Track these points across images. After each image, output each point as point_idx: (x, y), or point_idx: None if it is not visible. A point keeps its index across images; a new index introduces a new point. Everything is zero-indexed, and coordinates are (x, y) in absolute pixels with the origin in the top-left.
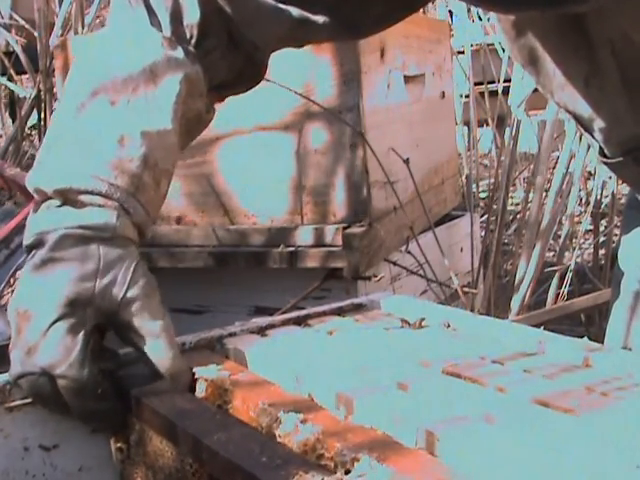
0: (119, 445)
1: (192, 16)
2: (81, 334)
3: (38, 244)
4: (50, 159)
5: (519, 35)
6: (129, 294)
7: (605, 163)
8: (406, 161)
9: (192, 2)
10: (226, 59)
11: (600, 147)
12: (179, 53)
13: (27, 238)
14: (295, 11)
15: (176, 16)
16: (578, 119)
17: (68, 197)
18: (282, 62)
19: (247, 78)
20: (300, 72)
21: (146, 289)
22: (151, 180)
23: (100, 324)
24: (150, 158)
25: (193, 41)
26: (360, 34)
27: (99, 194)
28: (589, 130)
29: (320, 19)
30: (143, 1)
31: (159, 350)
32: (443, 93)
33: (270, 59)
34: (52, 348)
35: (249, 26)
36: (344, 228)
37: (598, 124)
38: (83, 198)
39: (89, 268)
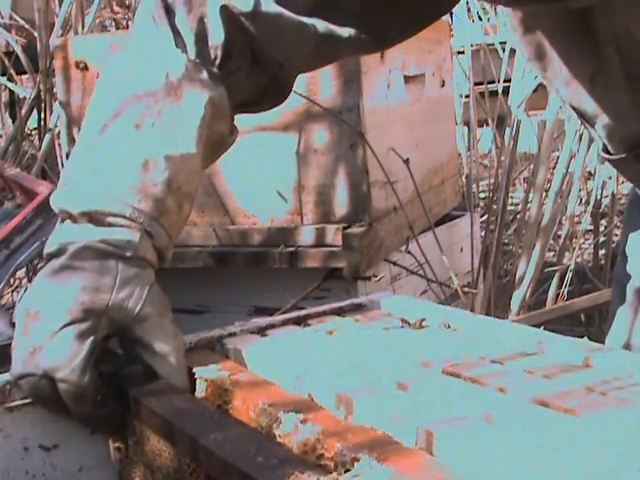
0: (117, 445)
1: (217, 37)
2: (89, 341)
3: (59, 253)
4: (76, 180)
5: (527, 31)
6: (144, 311)
7: (608, 160)
8: (406, 161)
9: (217, 23)
10: (250, 79)
11: (603, 144)
12: (204, 75)
13: (49, 246)
14: (321, 26)
15: (201, 37)
16: (582, 115)
17: (93, 218)
18: None
19: (271, 97)
20: None
21: (160, 309)
22: (174, 204)
23: (109, 335)
24: (174, 182)
25: (217, 62)
26: (386, 44)
27: (123, 217)
28: (593, 126)
29: (345, 33)
30: (168, 21)
31: (168, 370)
32: (443, 82)
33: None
34: (57, 351)
35: (273, 45)
36: (344, 228)
37: (602, 120)
38: (108, 220)
39: (106, 281)
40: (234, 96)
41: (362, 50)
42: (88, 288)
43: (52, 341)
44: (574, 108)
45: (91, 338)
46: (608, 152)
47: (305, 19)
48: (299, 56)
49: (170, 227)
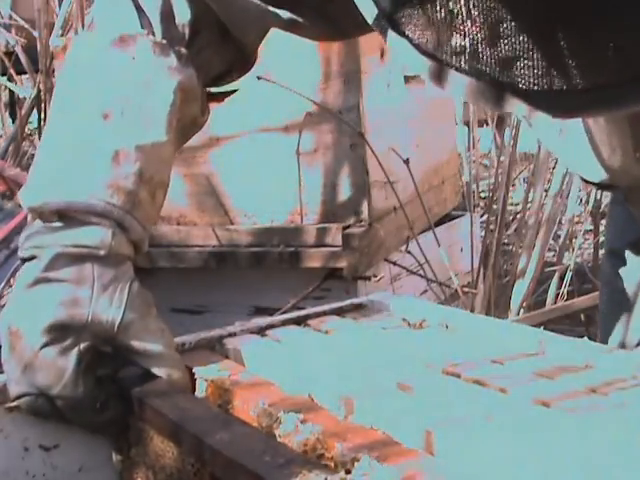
0: (119, 445)
1: (183, 15)
2: (73, 354)
3: (32, 258)
4: (44, 176)
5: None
6: (126, 318)
7: (593, 184)
8: (406, 161)
9: (182, 1)
10: (219, 53)
11: None
12: (172, 60)
13: (22, 250)
14: (284, 14)
15: (167, 15)
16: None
17: (64, 216)
18: (283, 63)
19: (238, 67)
20: (300, 72)
21: (142, 309)
22: (147, 194)
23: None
24: (145, 173)
25: (185, 40)
26: (347, 36)
27: (94, 213)
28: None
29: (307, 22)
30: (132, 0)
31: (165, 368)
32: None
33: (266, 58)
34: (44, 369)
35: (236, 27)
36: (344, 228)
37: (571, 168)
38: (79, 217)
39: (84, 292)
40: (204, 73)
41: (326, 37)
42: (65, 302)
43: (37, 361)
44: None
45: (74, 350)
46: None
47: (270, 7)
48: (262, 36)
49: (144, 218)
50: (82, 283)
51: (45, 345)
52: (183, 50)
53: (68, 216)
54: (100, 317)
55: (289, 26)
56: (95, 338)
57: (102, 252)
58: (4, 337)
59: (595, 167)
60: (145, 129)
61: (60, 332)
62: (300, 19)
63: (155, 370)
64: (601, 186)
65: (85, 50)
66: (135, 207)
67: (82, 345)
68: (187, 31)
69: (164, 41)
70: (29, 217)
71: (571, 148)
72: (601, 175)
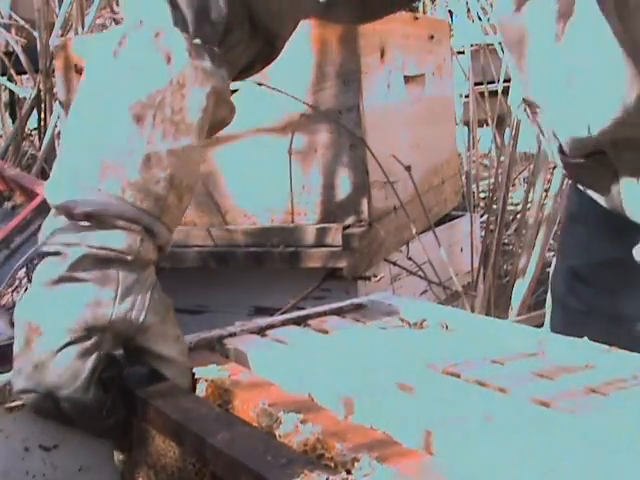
0: (121, 445)
1: (218, 12)
2: (92, 358)
3: (56, 254)
4: (73, 174)
5: (517, 10)
6: (147, 320)
7: (564, 162)
8: (408, 168)
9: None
10: (247, 49)
11: (559, 145)
12: (206, 63)
13: (46, 245)
14: None
15: (201, 12)
16: (544, 111)
17: (93, 217)
18: (283, 63)
19: (262, 59)
20: (300, 72)
21: (162, 314)
22: (175, 199)
23: (113, 348)
24: (175, 178)
25: (218, 38)
26: (376, 17)
27: (123, 218)
28: (552, 125)
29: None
30: None
31: (175, 373)
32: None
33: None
34: (60, 369)
35: (272, 18)
36: (344, 228)
37: (566, 124)
38: (108, 220)
39: (107, 293)
40: (233, 69)
41: (355, 20)
42: (90, 303)
43: (55, 359)
44: (536, 106)
45: (94, 355)
46: (563, 152)
47: None
48: (293, 23)
49: (171, 222)
50: (106, 285)
51: (66, 345)
52: (216, 49)
53: (97, 218)
54: (122, 318)
55: (324, 9)
56: (116, 339)
57: (129, 257)
58: (21, 331)
59: (598, 117)
60: (177, 134)
61: (83, 332)
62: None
63: (165, 373)
64: (583, 156)
65: (116, 45)
66: (164, 212)
67: (103, 348)
68: (221, 29)
69: (198, 41)
70: (53, 211)
71: (577, 96)
72: (602, 124)
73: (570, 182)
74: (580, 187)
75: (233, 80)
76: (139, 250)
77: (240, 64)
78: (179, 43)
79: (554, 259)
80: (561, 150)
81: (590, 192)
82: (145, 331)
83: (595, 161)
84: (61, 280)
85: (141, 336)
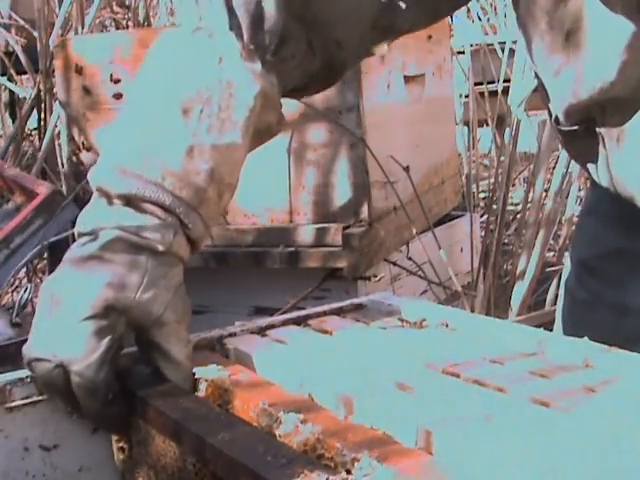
0: (121, 445)
1: (273, 22)
2: (108, 338)
3: (90, 235)
4: (118, 160)
5: None
6: (165, 316)
7: (558, 130)
8: (406, 169)
9: (274, 8)
10: (302, 66)
11: (555, 116)
12: (257, 65)
13: (82, 224)
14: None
15: (257, 20)
16: (544, 75)
17: (131, 201)
18: None
19: (319, 82)
20: None
21: (180, 315)
22: (215, 194)
23: (127, 333)
24: (216, 173)
25: (272, 48)
26: (438, 17)
27: (162, 206)
28: (550, 90)
29: (403, 4)
30: (224, 0)
31: (179, 377)
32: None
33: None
34: (76, 343)
35: (332, 23)
36: (344, 228)
37: (562, 82)
38: (146, 206)
39: (134, 279)
40: (285, 83)
41: (417, 23)
42: (114, 284)
43: (71, 332)
44: (539, 73)
45: (110, 336)
46: (559, 122)
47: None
48: (357, 35)
49: (208, 217)
50: (134, 270)
51: (85, 319)
52: (268, 57)
53: (135, 203)
54: (143, 306)
55: (383, 13)
56: (131, 325)
57: (160, 248)
58: (43, 302)
59: (591, 76)
60: (222, 130)
61: (104, 310)
62: (398, 1)
63: (169, 375)
64: (574, 123)
65: (173, 43)
66: (201, 204)
67: (118, 331)
68: (275, 39)
69: (251, 46)
70: (95, 195)
71: (574, 53)
72: (594, 85)
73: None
74: (579, 165)
75: (286, 96)
76: (172, 243)
77: (293, 79)
78: (232, 45)
79: (568, 252)
80: (557, 120)
81: (590, 169)
82: (161, 326)
83: (585, 130)
84: (90, 258)
85: (156, 330)
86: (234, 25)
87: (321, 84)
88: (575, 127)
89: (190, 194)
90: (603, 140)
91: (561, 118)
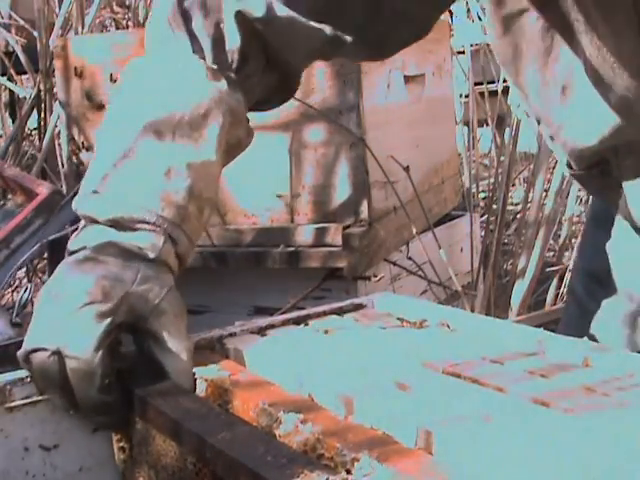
0: (122, 445)
1: (233, 42)
2: (106, 322)
3: (82, 249)
4: (101, 189)
5: (506, 31)
6: (163, 305)
7: (572, 175)
8: (406, 169)
9: (233, 28)
10: (263, 81)
11: (567, 159)
12: (222, 84)
13: (73, 244)
14: (328, 30)
15: (218, 42)
16: (548, 126)
17: (119, 224)
18: None
19: (280, 94)
20: None
21: (177, 310)
22: (195, 210)
23: (125, 323)
24: (195, 189)
25: (234, 66)
26: (383, 55)
27: (148, 223)
28: (556, 138)
29: (349, 38)
30: (185, 26)
31: (177, 368)
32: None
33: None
34: (73, 328)
35: (285, 48)
36: (344, 228)
37: (566, 134)
38: (133, 225)
39: (128, 274)
40: (249, 98)
41: (360, 56)
42: (110, 277)
43: (70, 319)
44: (540, 119)
45: (109, 319)
46: (571, 167)
47: (314, 23)
48: (307, 56)
49: (191, 232)
50: (127, 269)
51: (84, 305)
52: (232, 75)
53: (122, 224)
54: (139, 294)
55: (329, 44)
56: (130, 313)
57: (151, 255)
58: (40, 301)
59: (595, 126)
60: (196, 149)
61: (101, 296)
62: (341, 36)
63: (167, 366)
64: (588, 167)
65: (143, 70)
66: (184, 221)
67: (118, 317)
68: (236, 57)
69: (215, 66)
70: (82, 222)
71: (573, 107)
72: (600, 132)
73: None
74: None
75: (251, 111)
76: (161, 250)
77: (256, 94)
78: (197, 67)
79: (576, 256)
80: (568, 164)
81: (611, 206)
82: (159, 315)
83: (600, 172)
84: (85, 260)
85: (154, 319)
86: (197, 49)
87: (281, 95)
88: (587, 172)
89: (172, 212)
90: (620, 182)
91: (573, 163)
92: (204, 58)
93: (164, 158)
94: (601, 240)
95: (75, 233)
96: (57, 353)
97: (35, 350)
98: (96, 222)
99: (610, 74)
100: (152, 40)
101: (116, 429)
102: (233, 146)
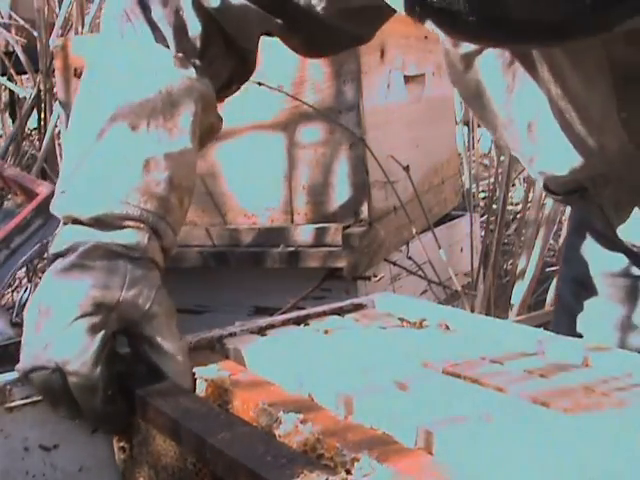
0: (122, 445)
1: (194, 28)
2: (100, 334)
3: (67, 253)
4: (78, 187)
5: (467, 68)
6: (153, 309)
7: (552, 198)
8: (406, 168)
9: (192, 15)
10: (224, 64)
11: (545, 185)
12: (191, 72)
13: (56, 247)
14: (280, 21)
15: (179, 30)
16: (520, 157)
17: (102, 222)
18: (283, 62)
19: (240, 76)
20: (300, 72)
21: (167, 310)
22: (176, 200)
23: (118, 331)
24: (174, 179)
25: (198, 52)
26: (323, 56)
27: (131, 218)
28: (530, 169)
29: (280, 20)
30: (144, 16)
31: (175, 369)
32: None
33: (266, 58)
34: (69, 344)
35: (240, 35)
36: (344, 228)
37: (538, 166)
38: (116, 222)
39: (116, 280)
40: (215, 83)
41: (306, 52)
42: (98, 285)
43: (64, 334)
44: (511, 150)
45: (102, 332)
46: (550, 190)
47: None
48: (258, 37)
49: (175, 223)
50: (114, 274)
51: (76, 319)
52: (198, 62)
53: (106, 222)
54: (130, 301)
55: (282, 32)
56: (122, 321)
57: (136, 254)
58: (30, 317)
59: (566, 159)
60: (172, 138)
61: (93, 308)
62: (287, 27)
63: (164, 368)
64: (567, 193)
65: (105, 62)
66: (167, 212)
67: (110, 327)
68: (199, 44)
69: (180, 53)
70: (62, 223)
71: (541, 142)
72: (572, 165)
73: None
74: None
75: (218, 98)
76: (146, 248)
77: (221, 78)
78: (163, 56)
79: (561, 264)
80: (546, 187)
81: (594, 223)
82: (150, 319)
83: (580, 197)
84: (72, 267)
85: (146, 324)
86: (159, 37)
87: (241, 77)
88: (566, 197)
89: (155, 205)
90: (602, 207)
91: (552, 188)
92: (167, 46)
93: (140, 150)
94: (583, 247)
95: (55, 235)
96: (57, 370)
97: (34, 369)
98: (76, 221)
99: (575, 115)
100: (110, 33)
101: (117, 432)
102: (206, 132)
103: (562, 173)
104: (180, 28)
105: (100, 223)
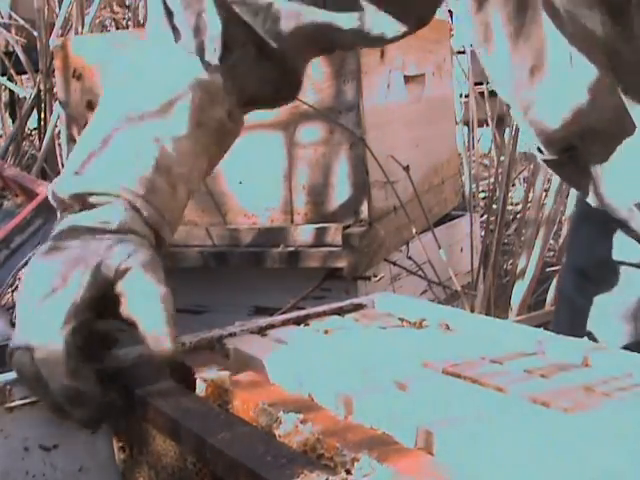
0: (121, 445)
1: (214, 28)
2: (67, 305)
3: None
4: (69, 170)
5: (479, 9)
6: (127, 262)
7: (543, 160)
8: (406, 168)
9: (214, 17)
10: (255, 72)
11: (538, 147)
12: (199, 70)
13: (50, 239)
14: (318, 16)
15: (198, 30)
16: (515, 107)
17: (83, 200)
18: None
19: (284, 92)
20: None
21: (144, 261)
22: (165, 184)
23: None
24: (161, 162)
25: (218, 54)
26: (385, 42)
27: (109, 194)
28: (524, 119)
29: (346, 25)
30: (169, 22)
31: (150, 332)
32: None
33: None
34: (37, 321)
35: (274, 36)
36: (344, 228)
37: (534, 115)
38: (95, 200)
39: (90, 250)
40: (240, 88)
41: (360, 44)
42: (69, 261)
43: (35, 313)
44: (509, 102)
45: (70, 301)
46: (542, 152)
47: (298, 5)
48: (301, 44)
49: (162, 206)
50: (88, 247)
51: (46, 296)
52: (215, 60)
53: (86, 200)
54: (103, 264)
55: (322, 31)
56: (95, 286)
57: (113, 226)
58: (17, 302)
59: (559, 109)
60: (164, 125)
61: (61, 281)
62: (337, 21)
63: (141, 325)
64: (559, 151)
65: (126, 67)
66: (150, 193)
67: (82, 295)
68: (218, 45)
69: (195, 54)
70: (58, 211)
71: (539, 88)
72: (564, 116)
73: None
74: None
75: (250, 107)
76: (124, 219)
77: (251, 86)
78: (177, 55)
79: (564, 258)
80: (539, 149)
81: (582, 193)
82: (123, 274)
83: (569, 158)
84: (49, 250)
85: (119, 281)
86: (178, 39)
87: (285, 94)
88: (556, 157)
89: (136, 184)
90: (589, 168)
91: (542, 148)
92: (185, 48)
93: (134, 141)
94: (585, 235)
95: (55, 225)
96: (28, 348)
97: (12, 352)
98: (63, 203)
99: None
100: (147, 29)
101: (98, 425)
102: (216, 130)
103: (554, 124)
104: (199, 28)
105: (81, 201)
